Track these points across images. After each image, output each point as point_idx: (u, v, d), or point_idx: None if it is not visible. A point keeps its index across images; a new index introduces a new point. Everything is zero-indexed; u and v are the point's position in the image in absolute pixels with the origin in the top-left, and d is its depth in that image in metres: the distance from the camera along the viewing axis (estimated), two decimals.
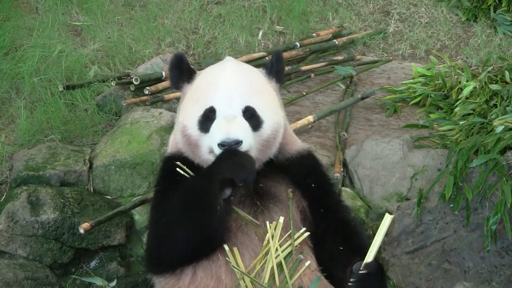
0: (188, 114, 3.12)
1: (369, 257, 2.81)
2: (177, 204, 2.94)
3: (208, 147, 3.02)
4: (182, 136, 3.13)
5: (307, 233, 3.05)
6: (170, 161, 3.20)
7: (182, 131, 3.12)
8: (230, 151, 2.91)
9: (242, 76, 3.13)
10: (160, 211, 3.04)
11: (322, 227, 3.14)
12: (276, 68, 3.23)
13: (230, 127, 2.93)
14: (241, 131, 2.93)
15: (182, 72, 3.21)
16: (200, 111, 3.06)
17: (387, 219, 2.80)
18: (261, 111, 3.05)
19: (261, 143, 3.05)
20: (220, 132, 2.94)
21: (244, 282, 2.87)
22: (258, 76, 3.20)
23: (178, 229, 2.90)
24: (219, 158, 2.93)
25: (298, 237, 3.02)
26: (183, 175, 3.05)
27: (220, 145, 2.90)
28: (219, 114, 3.01)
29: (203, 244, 2.92)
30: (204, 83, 3.15)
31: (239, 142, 2.90)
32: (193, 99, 3.13)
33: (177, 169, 3.03)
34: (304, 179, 3.22)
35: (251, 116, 3.02)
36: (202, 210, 2.87)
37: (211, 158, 3.00)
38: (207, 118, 3.03)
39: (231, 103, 3.01)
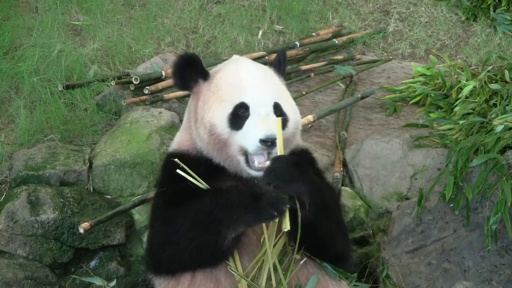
0: (215, 113, 3.02)
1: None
2: (188, 222, 2.88)
3: (239, 145, 2.97)
4: (209, 135, 3.03)
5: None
6: (174, 160, 3.16)
7: (209, 131, 3.02)
8: (255, 192, 2.82)
9: (264, 73, 3.11)
10: (165, 216, 2.97)
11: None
12: (283, 66, 3.22)
13: (270, 124, 2.90)
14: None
15: (197, 72, 3.12)
16: (228, 109, 2.99)
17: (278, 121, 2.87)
18: (286, 109, 3.04)
19: (284, 141, 2.99)
20: (261, 128, 2.89)
21: (243, 284, 2.87)
22: (274, 73, 3.19)
23: (184, 241, 2.87)
24: (247, 198, 2.81)
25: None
26: (187, 176, 3.00)
27: (263, 141, 2.86)
28: (253, 111, 2.96)
29: (208, 261, 2.91)
30: (226, 81, 3.08)
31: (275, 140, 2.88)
32: (217, 98, 3.05)
33: (178, 170, 2.98)
34: None
35: (280, 114, 3.00)
36: (212, 242, 2.84)
37: (240, 158, 2.97)
38: (238, 116, 2.98)
39: (263, 100, 2.98)
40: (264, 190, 2.83)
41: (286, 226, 2.76)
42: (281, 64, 3.23)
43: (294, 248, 2.95)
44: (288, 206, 2.77)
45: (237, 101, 2.98)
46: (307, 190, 2.85)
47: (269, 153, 2.92)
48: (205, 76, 3.12)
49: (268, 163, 2.88)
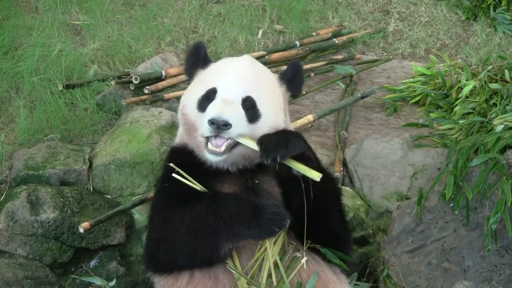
0: (190, 94, 3.11)
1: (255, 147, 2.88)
2: (185, 225, 2.88)
3: (201, 128, 2.98)
4: (181, 114, 3.12)
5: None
6: (176, 153, 3.17)
7: (181, 110, 3.12)
8: (260, 204, 2.81)
9: (251, 68, 3.12)
10: (164, 214, 2.99)
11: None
12: (288, 75, 3.21)
13: (224, 107, 2.90)
14: (233, 116, 2.89)
15: (198, 59, 3.21)
16: (201, 92, 3.04)
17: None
18: (261, 106, 3.02)
19: (255, 138, 2.98)
20: (213, 110, 2.90)
21: (242, 282, 2.87)
22: (269, 76, 3.19)
23: (180, 244, 2.88)
24: (244, 206, 2.80)
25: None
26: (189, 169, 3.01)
27: (210, 121, 2.86)
28: (218, 95, 2.99)
29: (202, 265, 2.93)
30: (214, 69, 3.16)
31: (228, 125, 2.86)
32: (199, 82, 3.13)
33: (173, 174, 2.98)
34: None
35: (250, 108, 2.99)
36: (209, 251, 2.86)
37: (202, 140, 2.98)
38: (207, 98, 3.01)
39: (233, 88, 2.99)
40: (265, 202, 2.83)
41: (319, 175, 2.75)
42: (286, 73, 3.24)
43: (294, 246, 2.96)
44: (289, 220, 2.78)
45: (210, 86, 3.03)
46: (307, 145, 2.90)
47: (228, 139, 2.92)
48: (205, 64, 3.21)
49: (224, 148, 2.89)
